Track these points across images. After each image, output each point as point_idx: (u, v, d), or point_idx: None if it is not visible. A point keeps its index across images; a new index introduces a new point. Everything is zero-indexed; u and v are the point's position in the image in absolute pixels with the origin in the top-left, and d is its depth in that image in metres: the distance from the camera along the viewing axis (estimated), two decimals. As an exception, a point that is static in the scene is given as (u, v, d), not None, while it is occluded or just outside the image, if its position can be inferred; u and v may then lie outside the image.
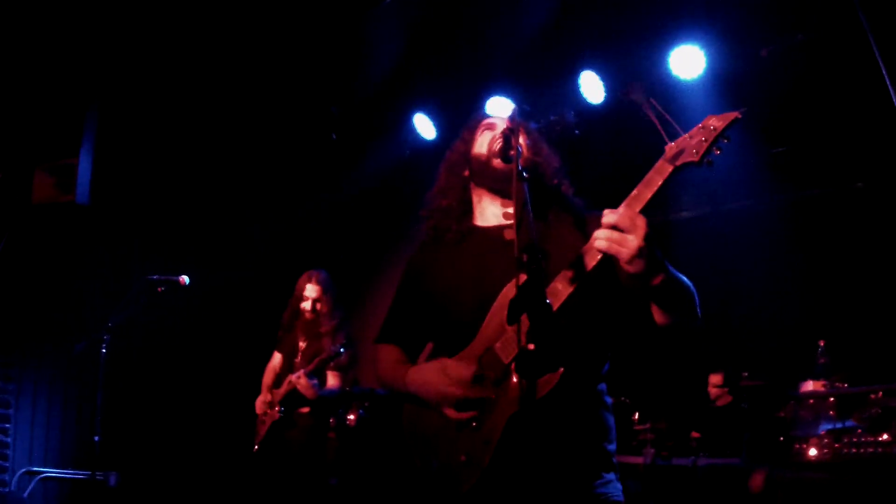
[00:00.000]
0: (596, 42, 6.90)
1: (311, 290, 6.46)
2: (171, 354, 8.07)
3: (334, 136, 8.31)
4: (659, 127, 2.41)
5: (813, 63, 6.53)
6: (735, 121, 2.32)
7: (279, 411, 6.16)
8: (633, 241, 2.24)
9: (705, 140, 2.30)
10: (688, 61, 6.68)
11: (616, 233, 2.26)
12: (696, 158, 2.30)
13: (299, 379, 5.99)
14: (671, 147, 2.34)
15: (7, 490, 7.41)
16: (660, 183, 2.32)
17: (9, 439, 7.64)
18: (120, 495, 7.74)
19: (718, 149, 2.32)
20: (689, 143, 2.32)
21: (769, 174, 7.41)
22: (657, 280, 2.32)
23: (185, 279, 6.24)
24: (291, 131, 8.40)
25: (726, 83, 6.72)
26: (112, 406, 7.29)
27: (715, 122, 2.33)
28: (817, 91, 6.72)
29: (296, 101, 7.99)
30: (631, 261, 2.25)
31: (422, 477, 2.63)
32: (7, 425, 7.64)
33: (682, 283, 2.46)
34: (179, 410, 8.01)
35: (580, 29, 6.87)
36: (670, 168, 2.32)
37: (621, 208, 2.30)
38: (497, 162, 2.73)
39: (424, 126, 8.09)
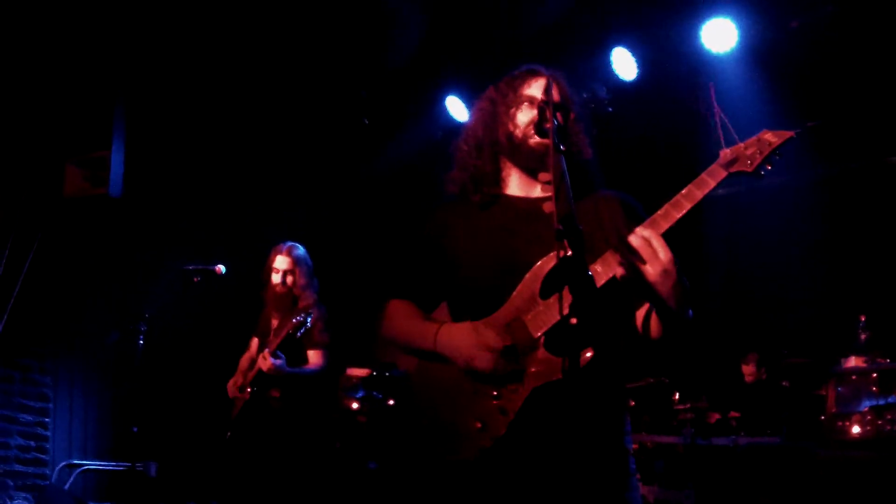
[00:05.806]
0: (627, 18, 6.85)
1: (281, 262, 5.97)
2: (208, 343, 8.08)
3: (366, 121, 8.30)
4: (720, 132, 2.58)
5: (845, 35, 6.44)
6: (790, 140, 2.50)
7: (249, 392, 5.77)
8: (658, 265, 2.36)
9: (760, 153, 2.50)
10: (720, 34, 6.60)
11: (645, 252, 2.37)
12: (750, 169, 2.50)
13: (265, 359, 5.51)
14: (726, 153, 2.52)
15: (48, 483, 7.47)
16: (712, 185, 2.49)
17: (48, 433, 7.68)
18: (161, 485, 7.78)
19: (770, 164, 2.52)
20: (744, 153, 2.51)
21: (803, 149, 7.33)
22: (675, 300, 2.42)
23: (222, 268, 6.22)
24: (322, 116, 8.39)
25: (760, 56, 6.64)
26: (150, 396, 7.33)
27: (770, 138, 2.51)
28: (850, 63, 6.63)
29: (326, 85, 7.98)
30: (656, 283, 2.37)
31: (427, 437, 2.64)
32: (46, 419, 7.68)
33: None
34: (217, 399, 8.06)
35: (611, 5, 6.82)
36: (724, 173, 2.49)
37: (647, 229, 2.40)
38: (533, 142, 2.72)
39: (457, 108, 8.06)
